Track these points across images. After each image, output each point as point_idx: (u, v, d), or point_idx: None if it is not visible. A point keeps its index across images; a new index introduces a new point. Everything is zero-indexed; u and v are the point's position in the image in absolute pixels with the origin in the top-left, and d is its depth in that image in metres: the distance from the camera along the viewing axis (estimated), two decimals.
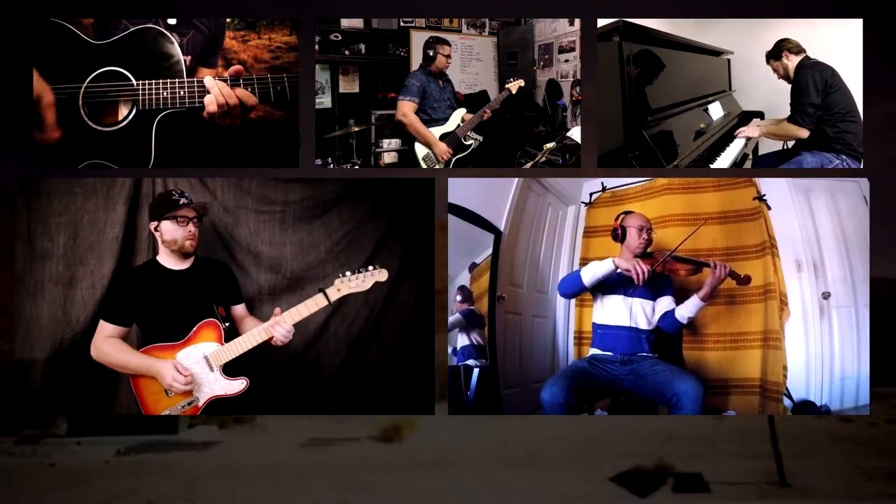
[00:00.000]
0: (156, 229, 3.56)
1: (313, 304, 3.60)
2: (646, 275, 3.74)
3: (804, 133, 4.32)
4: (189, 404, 3.48)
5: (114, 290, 3.88)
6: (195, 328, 3.51)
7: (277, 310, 3.59)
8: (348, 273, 3.66)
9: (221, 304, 3.66)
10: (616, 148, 4.33)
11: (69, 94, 4.13)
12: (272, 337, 3.55)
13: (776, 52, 4.38)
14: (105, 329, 3.53)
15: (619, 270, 3.81)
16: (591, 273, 3.86)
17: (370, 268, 3.69)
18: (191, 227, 3.53)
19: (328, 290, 3.62)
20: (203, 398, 3.50)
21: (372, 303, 4.22)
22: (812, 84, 4.29)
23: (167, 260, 3.59)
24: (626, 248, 4.03)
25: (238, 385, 3.54)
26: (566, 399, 3.53)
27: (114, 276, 4.06)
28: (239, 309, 3.79)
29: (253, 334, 3.55)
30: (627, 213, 4.12)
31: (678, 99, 4.64)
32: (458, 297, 4.69)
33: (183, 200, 3.53)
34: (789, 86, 4.36)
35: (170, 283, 3.55)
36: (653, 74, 4.38)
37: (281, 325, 3.54)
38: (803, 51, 4.34)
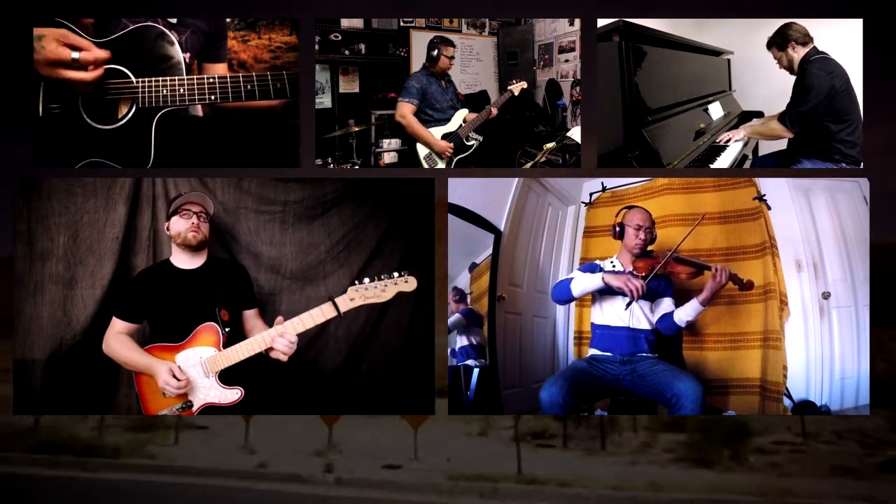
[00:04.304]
0: (168, 229, 3.56)
1: (320, 315, 3.34)
2: (639, 291, 3.65)
3: (789, 134, 4.21)
4: (184, 408, 3.40)
5: (126, 287, 3.82)
6: (195, 331, 3.44)
7: (280, 318, 3.40)
8: (366, 280, 3.30)
9: (232, 307, 3.54)
10: (616, 148, 4.33)
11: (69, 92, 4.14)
12: (271, 348, 3.35)
13: (781, 41, 4.18)
14: (116, 325, 3.56)
15: (610, 286, 3.76)
16: (581, 288, 3.85)
17: (394, 274, 3.30)
18: (194, 220, 3.49)
19: (338, 300, 3.31)
20: (197, 403, 3.41)
21: None
22: (817, 88, 4.07)
23: (179, 259, 3.56)
24: (624, 246, 4.00)
25: (232, 395, 3.42)
26: (565, 399, 3.52)
27: (121, 276, 4.06)
28: (250, 314, 3.64)
29: (251, 343, 3.39)
30: (630, 207, 4.04)
31: (678, 99, 4.64)
32: (456, 297, 4.70)
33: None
34: (792, 77, 4.22)
35: (179, 282, 3.52)
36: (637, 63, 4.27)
37: (283, 338, 3.31)
38: (810, 41, 4.15)
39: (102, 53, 4.03)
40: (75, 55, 3.98)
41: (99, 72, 4.04)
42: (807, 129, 4.19)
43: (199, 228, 3.50)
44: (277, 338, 3.33)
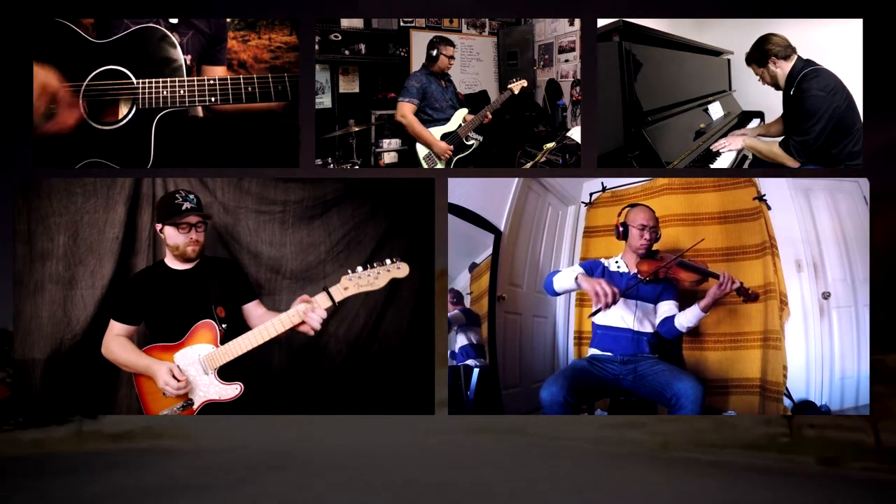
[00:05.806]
0: (160, 231, 3.47)
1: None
2: (609, 299, 3.53)
3: (794, 164, 4.12)
4: (184, 407, 3.39)
5: (122, 290, 3.79)
6: (192, 329, 3.42)
7: (305, 297, 3.37)
8: (359, 269, 3.34)
9: (229, 303, 3.51)
10: (616, 148, 4.33)
11: (70, 92, 4.14)
12: (298, 326, 3.33)
13: (760, 57, 4.05)
14: (114, 328, 3.53)
15: (581, 288, 3.68)
16: (560, 284, 3.82)
17: (386, 262, 3.35)
18: (193, 234, 3.42)
19: (332, 290, 3.34)
20: (198, 401, 3.40)
21: (372, 303, 4.22)
22: (820, 113, 3.91)
23: (172, 261, 3.51)
24: (629, 247, 3.97)
25: (232, 390, 3.40)
26: (565, 398, 3.52)
27: (121, 276, 4.04)
28: (252, 306, 3.59)
29: (249, 337, 3.36)
30: (632, 205, 4.00)
31: (678, 99, 4.64)
32: (454, 300, 4.70)
33: (186, 205, 3.38)
34: (779, 93, 4.14)
35: (174, 282, 3.48)
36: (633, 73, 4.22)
37: (315, 313, 3.31)
38: (793, 52, 4.01)
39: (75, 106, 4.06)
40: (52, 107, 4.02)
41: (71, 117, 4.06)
42: (813, 155, 4.12)
43: (197, 242, 3.44)
44: (310, 313, 3.32)
